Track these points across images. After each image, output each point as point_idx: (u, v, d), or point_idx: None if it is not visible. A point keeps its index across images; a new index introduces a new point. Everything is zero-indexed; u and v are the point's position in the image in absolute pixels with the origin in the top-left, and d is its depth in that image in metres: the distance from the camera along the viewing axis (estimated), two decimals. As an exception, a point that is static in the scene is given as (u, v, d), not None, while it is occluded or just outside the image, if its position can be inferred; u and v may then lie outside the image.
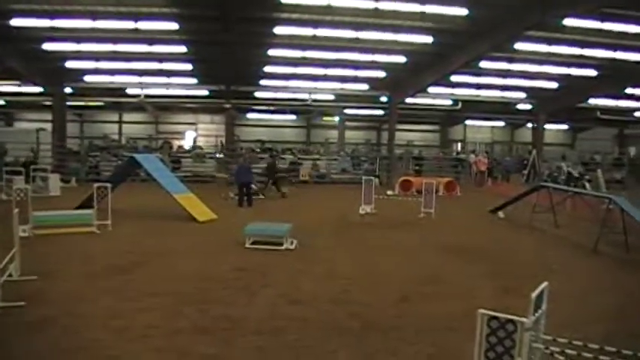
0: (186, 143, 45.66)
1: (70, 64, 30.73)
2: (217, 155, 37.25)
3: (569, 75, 31.78)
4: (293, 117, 49.05)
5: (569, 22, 23.63)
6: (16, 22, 24.32)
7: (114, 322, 8.33)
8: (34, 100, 39.45)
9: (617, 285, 11.70)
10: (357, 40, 26.56)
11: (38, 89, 34.45)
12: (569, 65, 30.24)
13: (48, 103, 36.36)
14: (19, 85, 34.55)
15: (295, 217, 17.89)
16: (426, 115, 46.36)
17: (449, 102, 40.48)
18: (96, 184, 17.22)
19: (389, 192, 27.88)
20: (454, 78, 32.90)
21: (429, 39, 26.01)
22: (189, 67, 31.52)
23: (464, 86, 35.82)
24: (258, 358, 7.19)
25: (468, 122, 51.96)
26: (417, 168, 38.86)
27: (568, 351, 5.85)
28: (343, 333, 8.12)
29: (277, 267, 12.09)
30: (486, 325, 5.70)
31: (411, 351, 7.55)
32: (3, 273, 9.11)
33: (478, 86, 35.70)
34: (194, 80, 34.50)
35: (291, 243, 14.25)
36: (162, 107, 44.47)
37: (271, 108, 43.84)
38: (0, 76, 32.30)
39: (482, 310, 5.72)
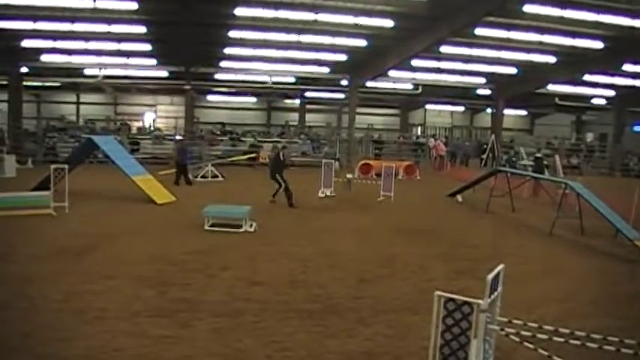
0: (146, 125, 45.16)
1: (26, 43, 30.06)
2: (177, 137, 36.95)
3: (529, 61, 32.04)
4: (253, 99, 48.71)
5: (529, 8, 23.75)
6: (-31, -1, 23.73)
7: (69, 304, 8.25)
8: (-12, 80, 38.64)
9: (571, 267, 11.92)
10: (317, 22, 26.42)
11: (-7, 68, 33.75)
12: (528, 51, 30.46)
13: (3, 82, 35.68)
14: (-27, 64, 33.77)
15: (255, 199, 17.88)
16: (386, 99, 46.37)
17: (409, 86, 40.56)
18: (53, 166, 16.94)
19: (349, 175, 27.90)
20: (415, 62, 32.94)
21: (389, 22, 25.96)
22: (148, 47, 31.06)
23: (424, 71, 35.86)
24: (216, 340, 7.17)
25: (428, 106, 51.98)
26: (376, 152, 39.00)
27: (523, 332, 5.92)
28: (302, 315, 8.15)
29: (236, 249, 12.07)
30: (443, 306, 5.75)
31: (369, 332, 7.60)
32: (-45, 255, 8.95)
33: (438, 71, 35.78)
34: (153, 61, 34.04)
35: (251, 225, 14.22)
36: (121, 88, 43.86)
37: (232, 90, 43.51)
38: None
39: (438, 292, 5.77)
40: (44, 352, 6.64)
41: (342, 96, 42.41)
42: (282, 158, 19.82)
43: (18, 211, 15.07)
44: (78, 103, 47.62)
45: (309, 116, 48.84)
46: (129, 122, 43.24)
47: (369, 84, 36.88)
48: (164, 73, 36.52)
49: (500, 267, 5.93)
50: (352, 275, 10.31)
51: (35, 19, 26.19)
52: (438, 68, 35.02)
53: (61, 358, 6.53)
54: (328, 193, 20.98)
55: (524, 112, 53.05)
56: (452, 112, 54.21)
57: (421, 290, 9.22)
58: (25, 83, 35.36)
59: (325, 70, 35.26)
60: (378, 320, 8.05)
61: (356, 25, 26.73)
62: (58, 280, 9.42)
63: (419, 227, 15.52)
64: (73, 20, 26.28)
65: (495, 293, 5.87)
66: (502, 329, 6.01)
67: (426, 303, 6.48)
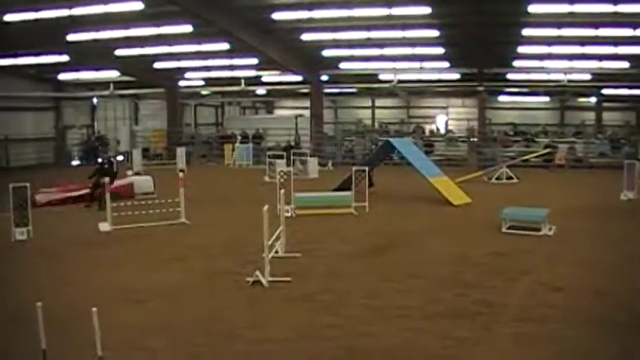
0: (439, 127, 45.73)
1: (326, 53, 31.90)
2: (471, 139, 37.01)
3: None
4: (546, 99, 47.16)
5: None
6: (277, 15, 25.76)
7: (371, 301, 8.61)
8: (292, 88, 41.58)
9: None
10: (617, 14, 24.84)
11: (297, 78, 36.26)
12: None
13: (305, 90, 38.29)
14: (280, 75, 36.56)
15: (552, 202, 17.23)
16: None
17: None
18: (354, 167, 17.82)
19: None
20: None
21: (702, 8, 23.67)
22: (441, 50, 31.36)
23: None
24: (517, 346, 7.03)
25: None
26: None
27: None
28: (606, 326, 7.67)
29: (536, 253, 11.77)
30: None
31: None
32: (271, 250, 9.72)
33: None
34: (446, 64, 34.29)
35: (550, 229, 13.76)
36: (414, 92, 44.81)
37: (524, 90, 42.59)
38: (263, 66, 34.49)
39: None
40: (349, 344, 7.00)
41: (643, 92, 39.51)
42: None
43: (322, 209, 16.07)
44: (373, 107, 49.46)
45: (606, 115, 46.26)
46: (422, 125, 44.08)
47: (673, 78, 33.88)
48: (456, 76, 36.65)
49: None
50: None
51: (335, 29, 27.72)
52: None
53: (366, 352, 6.83)
54: (631, 196, 19.67)
55: None
56: None
57: None
58: (324, 90, 37.51)
59: (625, 64, 33.02)
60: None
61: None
62: (362, 276, 9.89)
63: None
64: (369, 28, 27.40)
65: None
66: None
67: None
